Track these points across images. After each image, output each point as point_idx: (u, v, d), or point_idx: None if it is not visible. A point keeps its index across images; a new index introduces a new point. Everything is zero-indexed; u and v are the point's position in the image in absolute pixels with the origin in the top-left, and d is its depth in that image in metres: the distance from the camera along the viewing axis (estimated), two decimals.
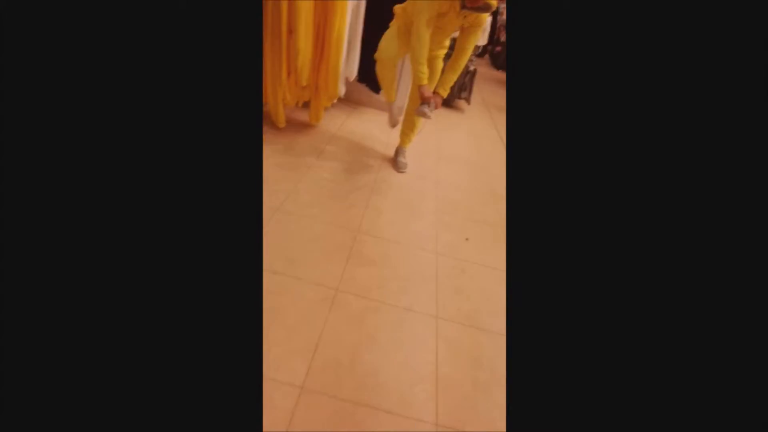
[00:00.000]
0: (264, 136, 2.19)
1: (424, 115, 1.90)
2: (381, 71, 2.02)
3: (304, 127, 2.46)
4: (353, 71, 2.29)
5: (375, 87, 2.78)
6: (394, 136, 2.57)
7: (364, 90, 2.90)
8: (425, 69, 1.84)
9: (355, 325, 1.24)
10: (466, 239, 1.80)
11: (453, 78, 1.94)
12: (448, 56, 1.95)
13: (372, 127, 2.75)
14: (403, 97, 2.67)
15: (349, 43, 2.16)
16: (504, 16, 5.35)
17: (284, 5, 1.83)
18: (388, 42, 1.92)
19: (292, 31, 1.91)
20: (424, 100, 1.88)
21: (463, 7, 1.65)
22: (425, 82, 1.87)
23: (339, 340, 1.17)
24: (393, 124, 2.44)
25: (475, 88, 3.59)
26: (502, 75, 5.54)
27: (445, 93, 1.95)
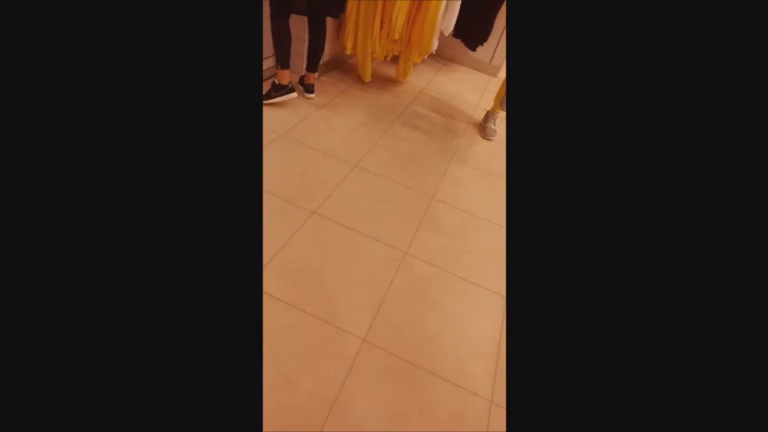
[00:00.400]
0: (348, 90, 2.19)
1: None
2: None
3: (390, 82, 2.39)
4: (450, 25, 2.13)
5: (471, 43, 2.58)
6: (485, 99, 2.39)
7: (457, 46, 2.71)
8: None
9: (420, 290, 1.24)
10: None
11: None
12: None
13: (461, 87, 2.59)
14: None
15: None
16: None
17: None
18: None
19: None
20: None
21: None
22: None
23: (403, 302, 1.19)
24: None
25: None
26: None
27: None
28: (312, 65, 1.93)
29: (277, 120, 1.80)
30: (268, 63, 1.96)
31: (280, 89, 1.82)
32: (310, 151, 1.68)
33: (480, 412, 0.99)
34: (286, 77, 1.81)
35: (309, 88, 1.97)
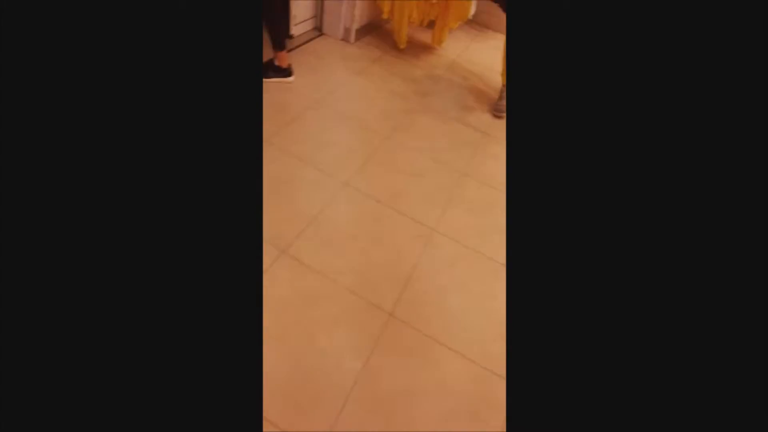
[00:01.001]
0: (383, 57, 2.11)
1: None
2: None
3: (424, 49, 2.29)
4: None
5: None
6: None
7: (495, 11, 2.55)
8: None
9: (447, 268, 1.24)
10: None
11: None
12: None
13: (496, 56, 2.46)
14: None
15: None
16: None
17: None
18: None
19: None
20: None
21: None
22: None
23: (430, 279, 1.20)
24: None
25: None
26: None
27: None
28: (277, 43, 1.65)
29: (311, 87, 1.77)
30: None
31: (279, 71, 1.71)
32: (345, 120, 1.66)
33: (498, 391, 1.01)
34: (284, 59, 1.69)
35: (286, 72, 1.72)
